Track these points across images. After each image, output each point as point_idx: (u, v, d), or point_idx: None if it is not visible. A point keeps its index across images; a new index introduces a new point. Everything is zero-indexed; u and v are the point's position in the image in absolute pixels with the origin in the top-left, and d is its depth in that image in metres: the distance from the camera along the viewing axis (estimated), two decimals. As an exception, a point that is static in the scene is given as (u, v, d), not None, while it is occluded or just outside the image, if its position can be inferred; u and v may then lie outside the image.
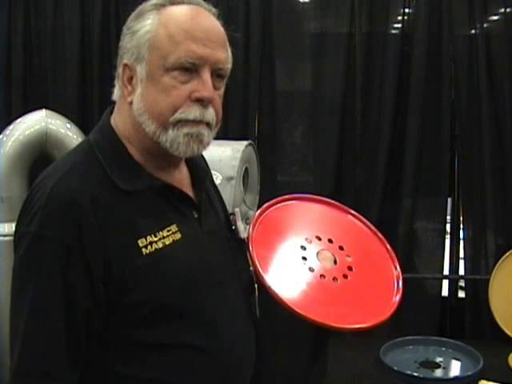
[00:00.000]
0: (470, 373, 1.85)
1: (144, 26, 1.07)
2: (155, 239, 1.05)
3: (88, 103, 2.61)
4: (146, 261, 1.03)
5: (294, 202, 1.44)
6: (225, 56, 1.10)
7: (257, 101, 2.54)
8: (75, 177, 1.04)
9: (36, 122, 2.14)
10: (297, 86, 2.60)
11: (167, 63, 1.05)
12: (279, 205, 1.41)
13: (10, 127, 2.16)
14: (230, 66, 1.13)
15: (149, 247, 1.04)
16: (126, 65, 1.09)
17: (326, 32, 2.53)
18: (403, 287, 1.31)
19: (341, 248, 1.34)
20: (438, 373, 1.92)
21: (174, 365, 1.06)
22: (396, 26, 2.46)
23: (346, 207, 1.48)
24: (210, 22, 1.09)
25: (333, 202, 1.48)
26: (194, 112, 1.06)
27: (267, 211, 1.37)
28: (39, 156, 2.15)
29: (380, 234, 1.43)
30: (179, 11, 1.08)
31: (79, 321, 1.00)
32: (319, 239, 1.35)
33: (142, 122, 1.08)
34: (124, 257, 1.02)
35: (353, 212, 1.47)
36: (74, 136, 2.16)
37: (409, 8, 2.44)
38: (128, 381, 1.05)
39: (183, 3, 1.09)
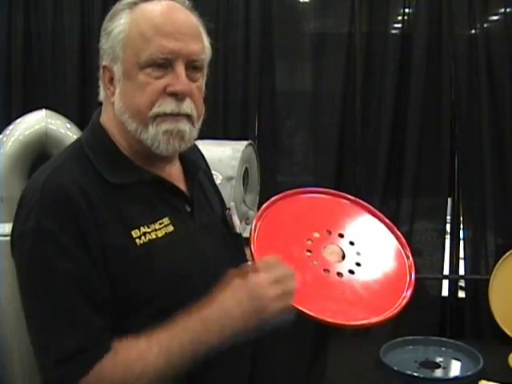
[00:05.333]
0: (469, 373, 1.84)
1: (117, 25, 1.10)
2: (148, 230, 1.07)
3: (88, 103, 2.61)
4: (139, 252, 1.04)
5: (305, 195, 1.42)
6: (198, 47, 1.10)
7: (257, 101, 2.54)
8: (65, 172, 1.05)
9: (36, 121, 2.14)
10: (297, 85, 2.60)
11: (140, 60, 1.06)
12: (291, 197, 1.38)
13: (10, 127, 2.15)
14: (205, 56, 1.13)
15: (142, 238, 1.05)
16: (104, 66, 1.12)
17: (326, 32, 2.53)
18: (415, 281, 1.29)
19: (351, 243, 1.32)
20: (438, 373, 1.92)
21: None
22: (396, 25, 2.45)
23: (360, 200, 1.46)
24: (182, 15, 1.10)
25: (344, 194, 1.47)
26: (169, 105, 1.07)
27: (279, 202, 1.35)
28: (39, 156, 2.15)
29: (395, 228, 1.40)
30: (150, 8, 1.09)
31: (94, 290, 1.01)
32: (329, 233, 1.32)
33: (124, 121, 1.10)
34: (118, 249, 1.03)
35: (369, 207, 1.44)
36: (74, 136, 2.16)
37: (409, 8, 2.44)
38: None
39: None
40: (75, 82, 2.61)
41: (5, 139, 2.13)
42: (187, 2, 1.13)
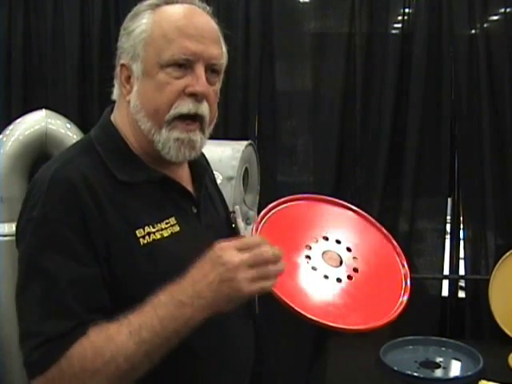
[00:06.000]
0: (470, 373, 1.84)
1: (139, 25, 1.10)
2: (153, 230, 1.07)
3: (88, 103, 2.62)
4: (143, 252, 1.04)
5: (302, 201, 1.43)
6: (218, 52, 1.12)
7: (257, 101, 2.54)
8: (74, 166, 1.06)
9: (36, 122, 2.15)
10: (297, 85, 2.60)
11: (162, 60, 1.07)
12: (288, 204, 1.40)
13: (10, 127, 2.16)
14: (224, 61, 1.15)
15: (146, 238, 1.05)
16: (123, 65, 1.13)
17: (326, 32, 2.54)
18: (411, 286, 1.30)
19: (348, 249, 1.33)
20: (438, 373, 1.92)
21: (164, 362, 1.05)
22: (396, 25, 2.46)
23: (352, 206, 1.47)
24: (204, 20, 1.12)
25: (339, 200, 1.47)
26: (187, 105, 1.08)
27: (275, 209, 1.36)
28: (39, 156, 2.15)
29: (391, 238, 1.42)
30: (173, 10, 1.11)
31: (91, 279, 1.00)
32: (326, 239, 1.34)
33: (138, 120, 1.11)
34: (122, 248, 1.03)
35: (361, 212, 1.45)
36: (74, 136, 2.16)
37: (409, 8, 2.44)
38: None
39: (177, 2, 1.12)
40: (75, 82, 2.61)
41: (5, 139, 2.13)
42: (208, 8, 1.15)
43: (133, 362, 0.96)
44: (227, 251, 0.97)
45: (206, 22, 1.12)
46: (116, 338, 0.95)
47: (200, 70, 1.09)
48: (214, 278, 0.96)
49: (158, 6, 1.11)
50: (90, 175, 1.04)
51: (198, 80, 1.08)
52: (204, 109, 1.10)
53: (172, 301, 0.96)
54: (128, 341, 0.95)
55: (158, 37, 1.08)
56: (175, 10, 1.11)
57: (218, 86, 1.15)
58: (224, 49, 1.16)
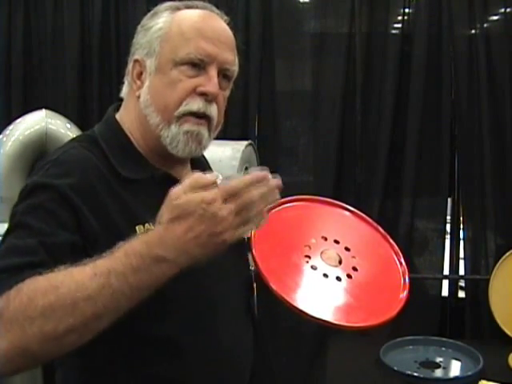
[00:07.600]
0: (470, 373, 1.85)
1: (158, 23, 1.13)
2: (153, 228, 1.05)
3: (88, 103, 2.61)
4: None
5: (299, 203, 1.44)
6: (232, 58, 1.14)
7: (257, 101, 2.54)
8: (79, 151, 1.07)
9: (36, 122, 2.14)
10: (297, 85, 2.61)
11: (177, 57, 1.09)
12: (286, 205, 1.40)
13: (10, 127, 2.15)
14: (235, 69, 1.16)
15: None
16: (136, 60, 1.14)
17: (326, 32, 2.54)
18: (410, 283, 1.31)
19: (347, 249, 1.34)
20: (438, 373, 1.92)
21: (162, 360, 1.05)
22: (396, 26, 2.46)
23: (350, 207, 1.47)
24: (221, 26, 1.16)
25: (336, 202, 1.48)
26: (197, 103, 1.10)
27: (273, 210, 1.36)
28: (39, 156, 2.15)
29: (389, 237, 1.43)
30: (192, 13, 1.14)
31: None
32: (325, 239, 1.34)
33: (147, 114, 1.11)
34: (119, 239, 1.01)
35: (358, 212, 1.46)
36: (74, 136, 2.16)
37: (409, 8, 2.44)
38: (120, 374, 1.05)
39: (197, 7, 1.15)
40: (75, 82, 2.61)
41: (5, 139, 2.13)
42: (225, 17, 1.18)
43: (95, 303, 0.86)
44: (214, 204, 0.90)
45: (224, 28, 1.16)
46: (77, 276, 0.87)
47: (213, 71, 1.10)
48: (202, 233, 0.90)
49: (178, 8, 1.14)
50: (93, 164, 1.05)
51: (210, 81, 1.10)
52: (213, 110, 1.11)
53: (150, 254, 0.89)
54: (91, 281, 0.86)
55: (176, 34, 1.11)
56: (195, 13, 1.14)
57: (228, 92, 1.17)
58: (237, 58, 1.17)
